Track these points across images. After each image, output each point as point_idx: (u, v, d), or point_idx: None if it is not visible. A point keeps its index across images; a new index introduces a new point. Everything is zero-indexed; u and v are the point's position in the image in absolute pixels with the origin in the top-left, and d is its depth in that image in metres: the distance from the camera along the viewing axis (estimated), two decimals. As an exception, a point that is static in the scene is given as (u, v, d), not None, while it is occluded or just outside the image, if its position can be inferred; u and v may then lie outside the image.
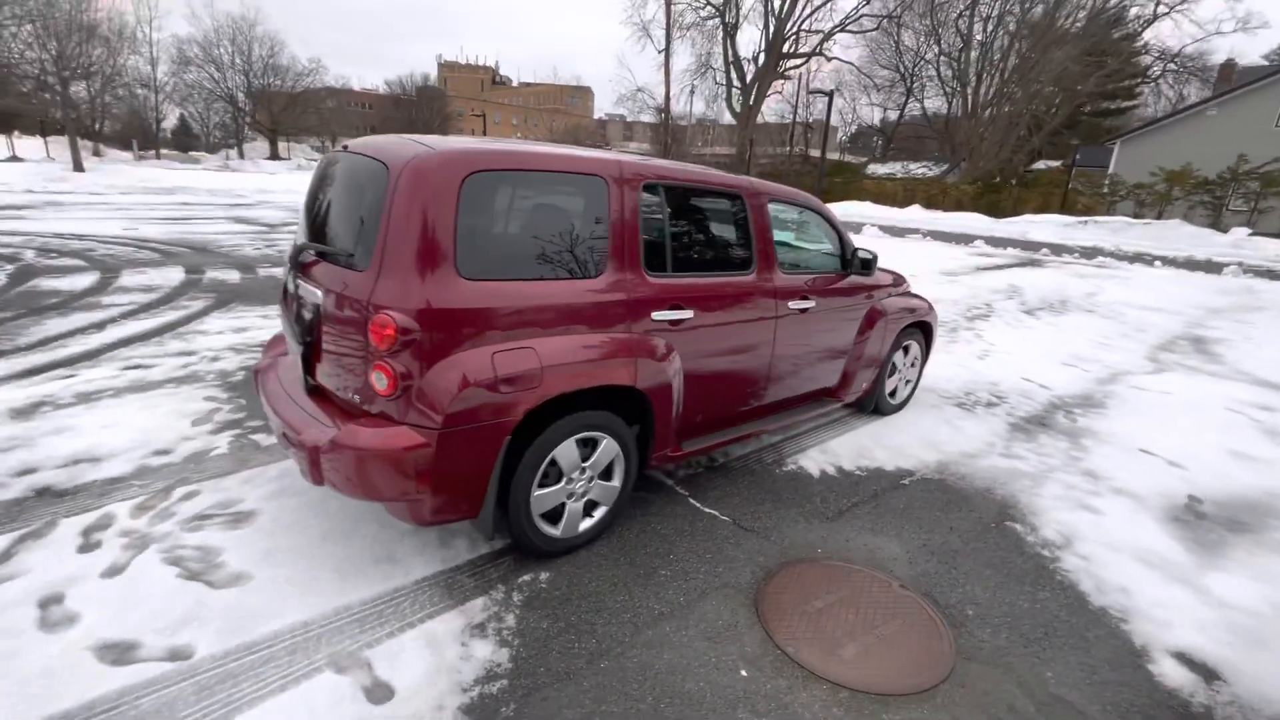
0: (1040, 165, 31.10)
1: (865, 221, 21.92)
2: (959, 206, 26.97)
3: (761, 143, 42.45)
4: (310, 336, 2.33)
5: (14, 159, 30.74)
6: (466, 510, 2.22)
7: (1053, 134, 31.64)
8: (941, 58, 36.81)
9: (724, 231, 3.04)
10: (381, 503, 2.17)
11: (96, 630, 2.00)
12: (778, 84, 37.86)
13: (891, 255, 13.56)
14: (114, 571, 2.27)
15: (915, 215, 26.14)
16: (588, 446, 2.49)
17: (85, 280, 6.98)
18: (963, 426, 4.20)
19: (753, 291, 3.00)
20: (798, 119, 35.96)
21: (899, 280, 4.36)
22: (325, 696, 1.82)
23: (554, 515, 2.48)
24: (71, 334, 5.00)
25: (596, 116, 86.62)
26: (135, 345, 4.82)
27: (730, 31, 36.50)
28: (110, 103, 45.95)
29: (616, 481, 2.64)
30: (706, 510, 2.98)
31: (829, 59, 36.82)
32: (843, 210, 27.41)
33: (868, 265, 3.54)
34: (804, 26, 35.35)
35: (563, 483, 2.44)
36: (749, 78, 36.89)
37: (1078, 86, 30.29)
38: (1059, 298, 9.53)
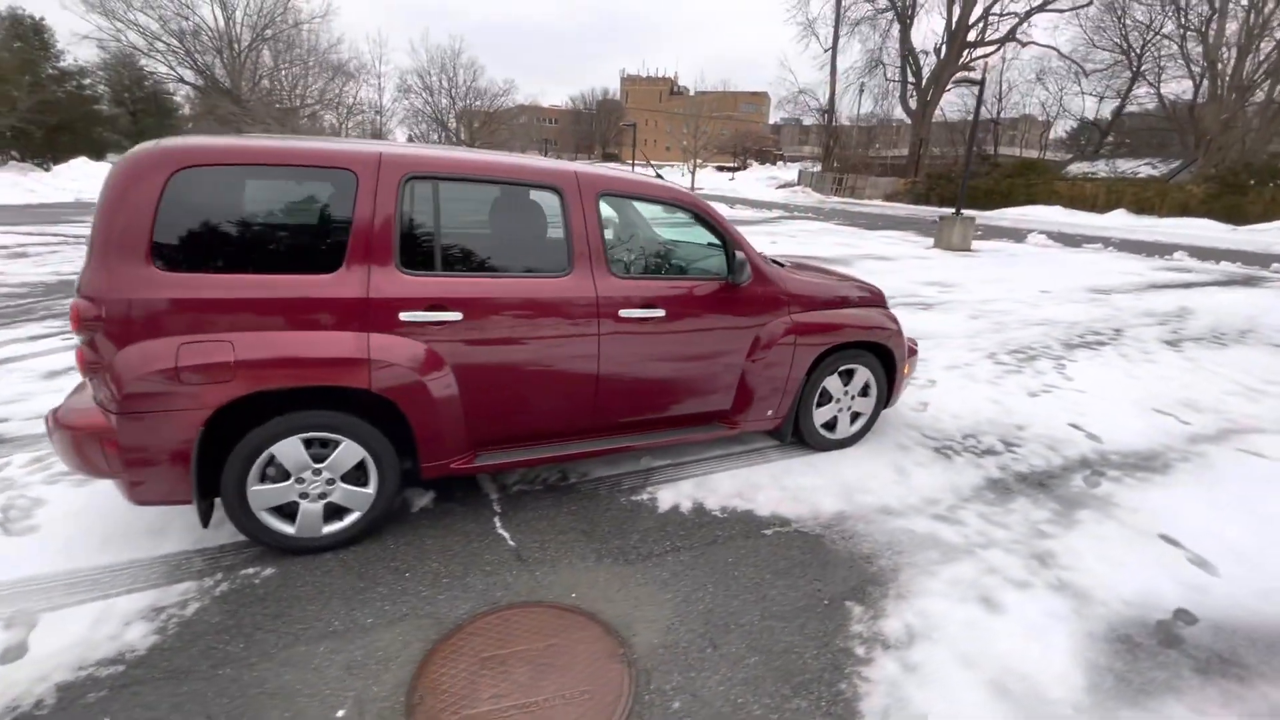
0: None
1: (1035, 228, 18.80)
2: (1183, 211, 21.98)
3: (941, 142, 38.55)
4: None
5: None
6: (176, 496, 2.28)
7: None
8: (1187, 31, 30.18)
9: (528, 228, 2.79)
10: (99, 479, 2.32)
11: (-107, 555, 2.40)
12: (961, 75, 34.00)
13: (1034, 268, 11.55)
14: (-42, 509, 2.70)
15: (1115, 222, 21.90)
16: (326, 447, 2.43)
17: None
18: (914, 475, 3.39)
19: (559, 295, 2.69)
20: (983, 114, 31.76)
21: (869, 297, 3.66)
22: (-29, 647, 1.99)
23: (292, 513, 2.46)
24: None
25: (771, 122, 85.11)
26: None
27: (906, 23, 33.65)
28: (351, 128, 55.66)
29: (370, 488, 2.54)
30: (499, 532, 2.75)
31: (1024, 44, 32.25)
32: (1017, 215, 23.93)
33: (738, 270, 2.98)
34: (994, 10, 31.36)
35: (290, 481, 2.41)
36: (924, 73, 33.67)
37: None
38: (1240, 327, 7.31)
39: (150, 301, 2.13)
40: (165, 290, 2.15)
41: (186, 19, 37.82)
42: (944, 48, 33.37)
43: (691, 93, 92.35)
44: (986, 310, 7.75)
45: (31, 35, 37.02)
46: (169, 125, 41.04)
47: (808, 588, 2.47)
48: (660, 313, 2.90)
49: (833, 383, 3.50)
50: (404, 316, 2.42)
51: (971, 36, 32.44)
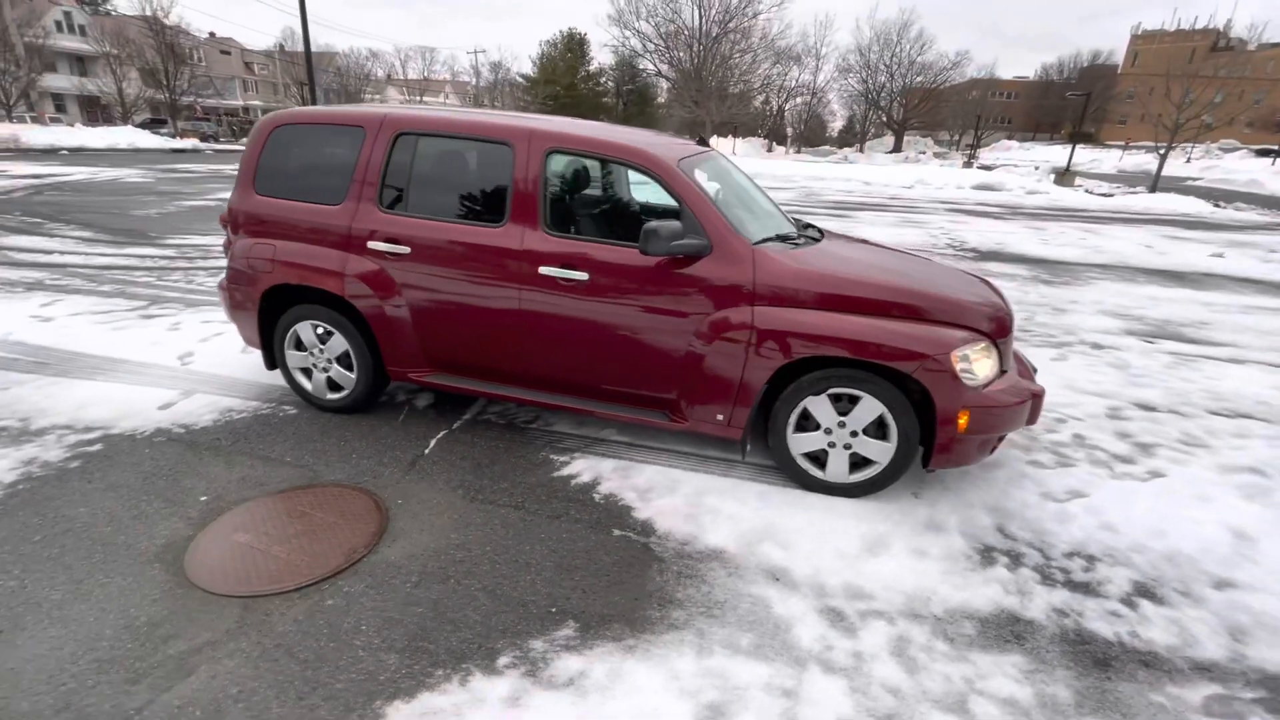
0: None
1: None
2: None
3: None
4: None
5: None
6: (254, 343, 3.47)
7: None
8: None
9: (478, 180, 2.98)
10: (231, 323, 3.64)
11: (194, 349, 4.30)
12: None
13: None
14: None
15: None
16: (329, 335, 3.29)
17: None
18: (887, 559, 2.41)
19: (488, 244, 2.88)
20: None
21: (959, 312, 2.66)
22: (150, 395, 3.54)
23: (312, 377, 3.43)
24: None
25: None
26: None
27: None
28: (789, 109, 58.94)
29: (353, 374, 3.31)
30: (429, 442, 3.21)
31: None
32: None
33: (647, 239, 2.54)
34: None
35: (306, 353, 3.35)
36: None
37: None
38: None
39: (249, 213, 3.28)
40: (256, 208, 3.26)
41: (673, 22, 45.55)
42: None
43: (1251, 47, 66.30)
44: None
45: (578, 47, 50.29)
46: (648, 112, 50.93)
47: (562, 590, 2.21)
48: (582, 275, 2.80)
49: (820, 406, 2.71)
50: (371, 245, 3.05)
51: None
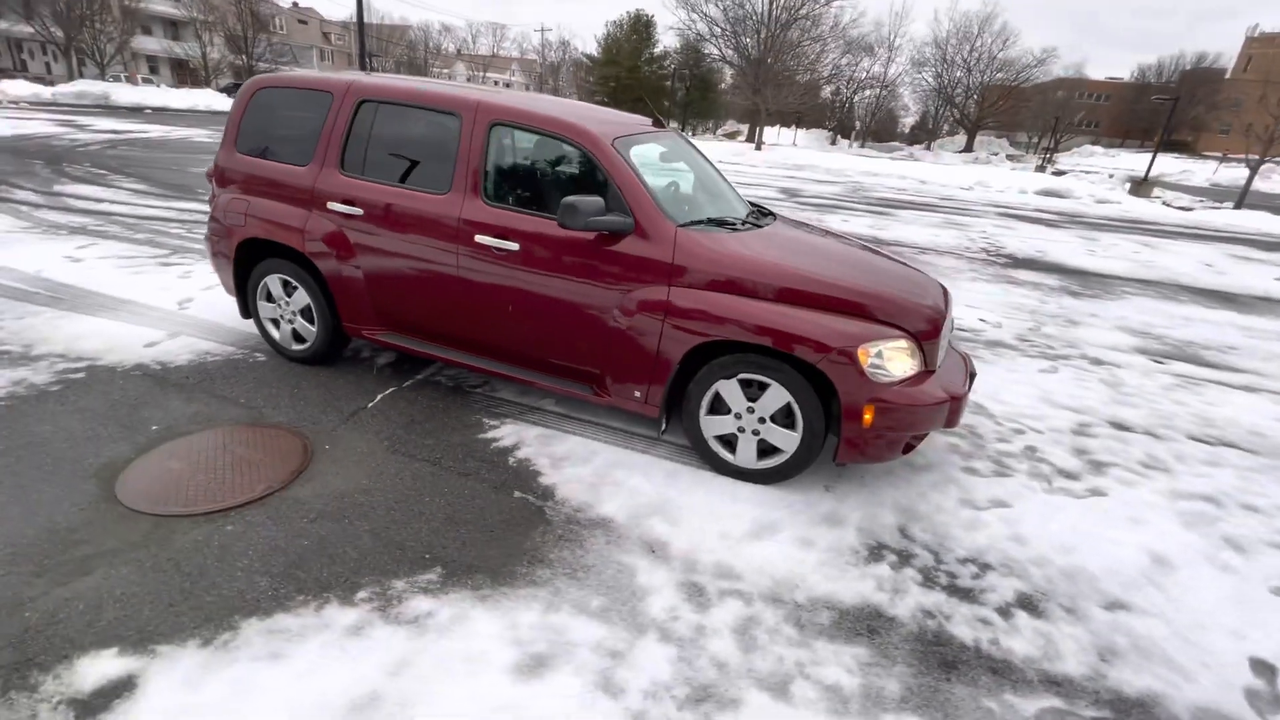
0: None
1: None
2: None
3: None
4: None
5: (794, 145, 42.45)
6: (230, 290, 3.71)
7: None
8: None
9: (428, 148, 3.08)
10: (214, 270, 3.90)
11: (195, 296, 4.61)
12: None
13: None
14: (247, 285, 4.89)
15: None
16: (294, 290, 3.49)
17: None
18: (771, 545, 2.44)
19: (430, 211, 3.00)
20: None
21: (880, 304, 2.63)
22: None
23: (279, 328, 3.66)
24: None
25: None
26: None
27: None
28: (859, 102, 56.96)
29: (314, 327, 3.51)
30: (375, 397, 3.38)
31: None
32: None
33: (565, 212, 2.59)
34: None
35: (274, 305, 3.57)
36: None
37: None
38: None
39: (230, 170, 3.50)
40: (236, 165, 3.48)
41: (742, 6, 44.46)
42: None
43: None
44: None
45: (644, 29, 49.81)
46: (710, 98, 50.16)
47: (442, 540, 2.34)
48: (513, 246, 2.89)
49: (730, 390, 2.72)
50: (330, 205, 3.22)
51: None
